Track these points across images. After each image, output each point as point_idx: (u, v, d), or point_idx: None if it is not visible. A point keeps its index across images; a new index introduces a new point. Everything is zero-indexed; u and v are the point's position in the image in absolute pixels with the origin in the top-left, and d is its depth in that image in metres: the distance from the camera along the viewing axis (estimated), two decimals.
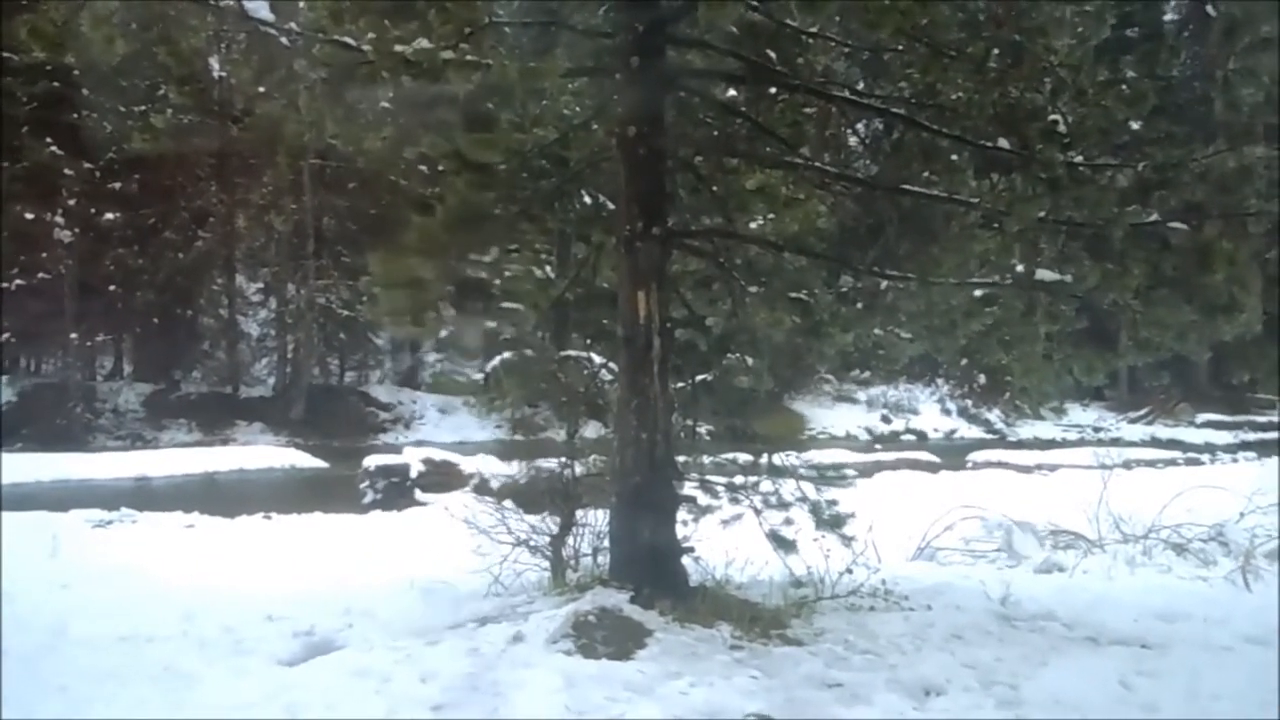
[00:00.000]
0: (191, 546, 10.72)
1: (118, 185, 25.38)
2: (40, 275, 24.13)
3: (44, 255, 24.14)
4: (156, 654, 5.52)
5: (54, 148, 23.35)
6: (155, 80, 23.20)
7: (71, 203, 24.64)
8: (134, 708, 4.66)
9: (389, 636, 5.94)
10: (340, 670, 5.14)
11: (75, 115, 23.80)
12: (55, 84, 22.20)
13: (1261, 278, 7.11)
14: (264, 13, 5.94)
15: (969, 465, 21.69)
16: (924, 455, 23.82)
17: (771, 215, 7.64)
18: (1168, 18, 34.32)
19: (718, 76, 7.27)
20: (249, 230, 28.43)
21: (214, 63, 19.22)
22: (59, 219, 24.34)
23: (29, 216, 23.32)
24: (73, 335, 25.00)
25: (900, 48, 6.67)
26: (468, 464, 15.33)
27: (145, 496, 15.49)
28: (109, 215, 25.38)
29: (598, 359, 7.88)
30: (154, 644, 5.76)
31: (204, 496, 15.84)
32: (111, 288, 26.21)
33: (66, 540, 9.94)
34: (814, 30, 6.90)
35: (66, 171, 23.99)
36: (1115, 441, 26.14)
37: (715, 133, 7.50)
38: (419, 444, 20.70)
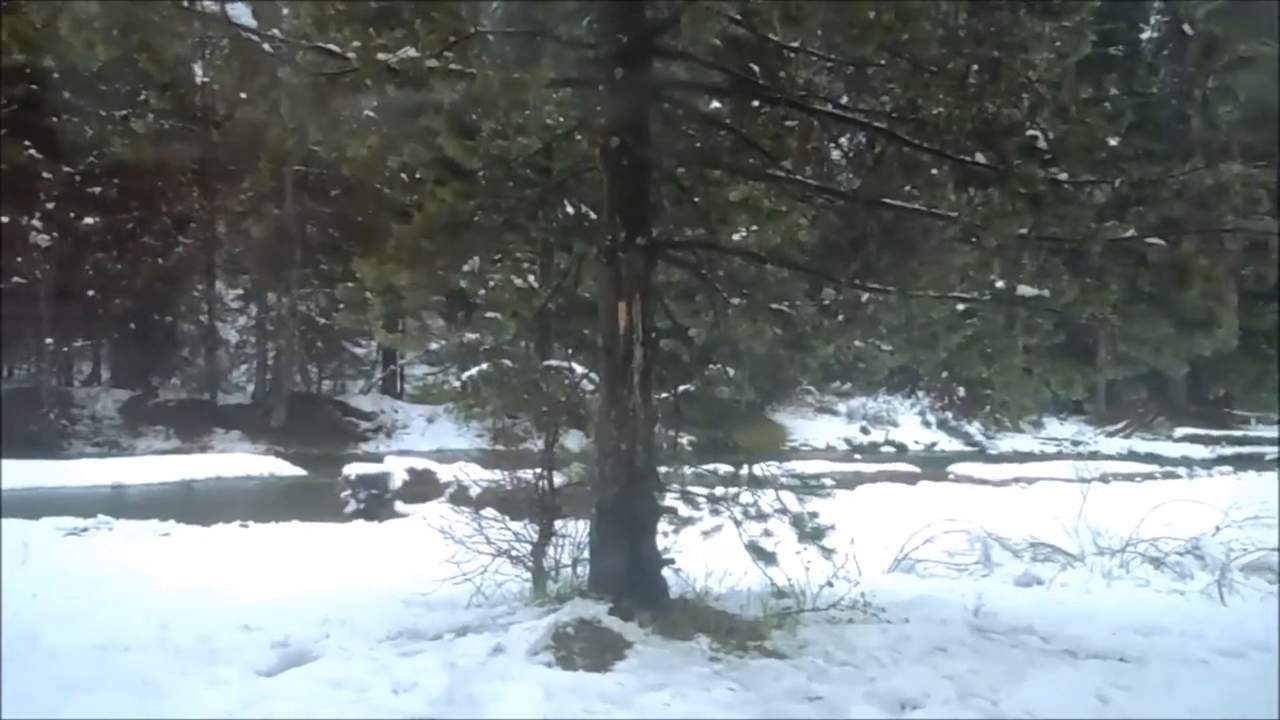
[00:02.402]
0: (167, 555, 10.61)
1: (97, 189, 25.19)
2: (16, 279, 23.88)
3: (20, 259, 23.91)
4: (131, 663, 5.44)
5: (33, 151, 23.14)
6: (136, 85, 23.17)
7: (50, 206, 24.44)
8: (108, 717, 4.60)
9: (366, 647, 5.90)
10: (317, 680, 5.11)
11: (55, 119, 23.61)
12: (34, 87, 22.02)
13: (1238, 294, 7.19)
14: (246, 19, 5.91)
15: (950, 477, 21.76)
16: (903, 467, 23.91)
17: (754, 227, 7.67)
18: (1146, 36, 34.74)
19: (701, 89, 7.30)
20: (229, 237, 28.28)
21: (197, 69, 19.19)
22: (37, 223, 24.13)
23: (6, 220, 23.09)
24: (49, 340, 24.76)
25: (882, 63, 6.71)
26: (448, 473, 15.26)
27: (121, 504, 15.31)
28: (88, 219, 25.18)
29: (579, 369, 7.88)
30: (128, 653, 5.68)
31: (181, 504, 15.67)
32: (90, 293, 25.98)
33: (38, 548, 9.81)
34: (796, 45, 6.94)
35: (45, 175, 23.80)
36: (1093, 455, 26.34)
37: (698, 144, 7.53)
38: (402, 454, 20.63)
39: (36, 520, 12.17)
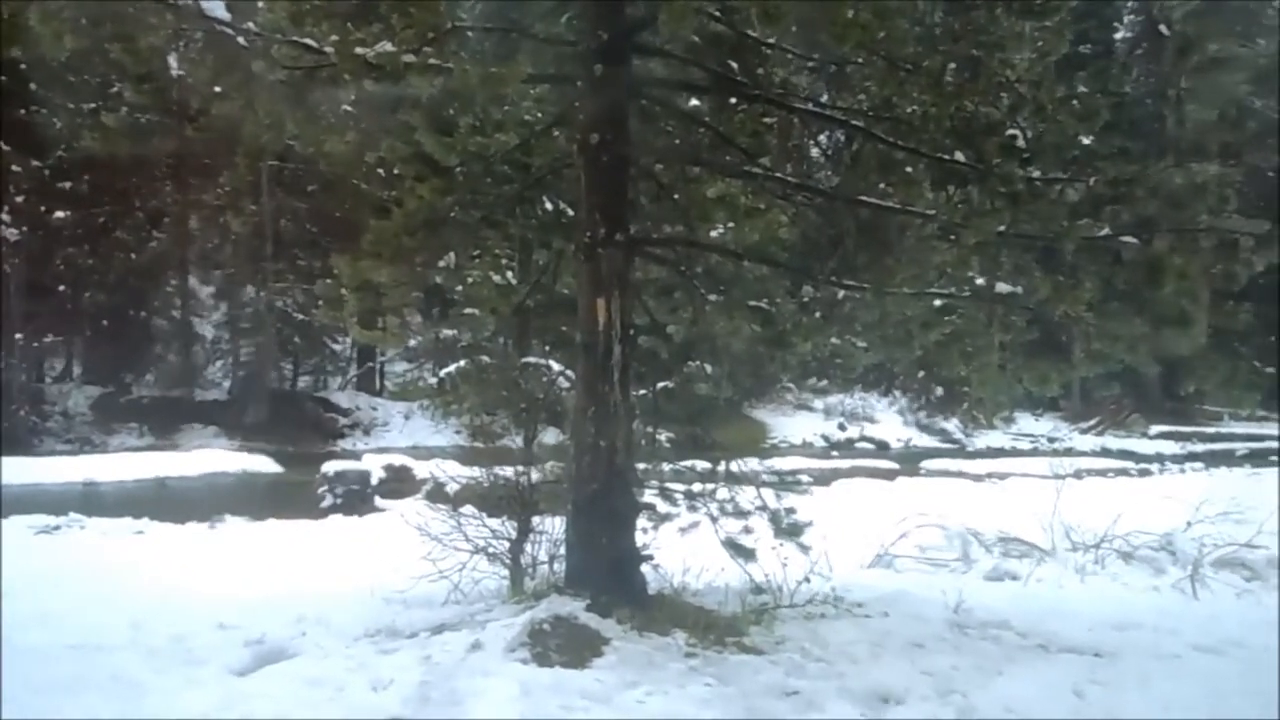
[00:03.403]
0: (141, 553, 10.52)
1: (68, 184, 24.90)
2: None
3: None
4: (104, 663, 5.40)
5: (1, 144, 22.83)
6: (108, 77, 22.88)
7: (20, 200, 24.13)
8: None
9: (343, 644, 5.87)
10: (293, 679, 5.07)
11: (24, 111, 23.31)
12: (3, 79, 21.72)
13: (1210, 292, 7.26)
14: (221, 12, 5.85)
15: (922, 473, 21.90)
16: (881, 463, 24.02)
17: (732, 224, 7.68)
18: (1120, 35, 34.98)
19: (680, 86, 7.30)
20: (205, 232, 28.02)
21: (171, 62, 18.99)
22: (6, 216, 23.81)
23: None
24: (19, 336, 24.43)
25: (859, 61, 6.73)
26: (424, 470, 15.22)
27: (94, 502, 15.17)
28: (59, 214, 24.88)
29: (557, 366, 7.86)
30: (101, 653, 5.63)
31: (154, 502, 15.54)
32: (61, 288, 25.67)
33: (8, 547, 9.70)
34: (774, 42, 6.95)
35: (14, 168, 23.49)
36: (1068, 451, 26.56)
37: (677, 141, 7.53)
38: (381, 450, 20.53)
39: (6, 519, 12.03)
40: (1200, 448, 28.56)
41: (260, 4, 6.44)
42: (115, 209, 25.93)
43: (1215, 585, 8.56)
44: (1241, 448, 26.73)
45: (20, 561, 9.19)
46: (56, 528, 12.22)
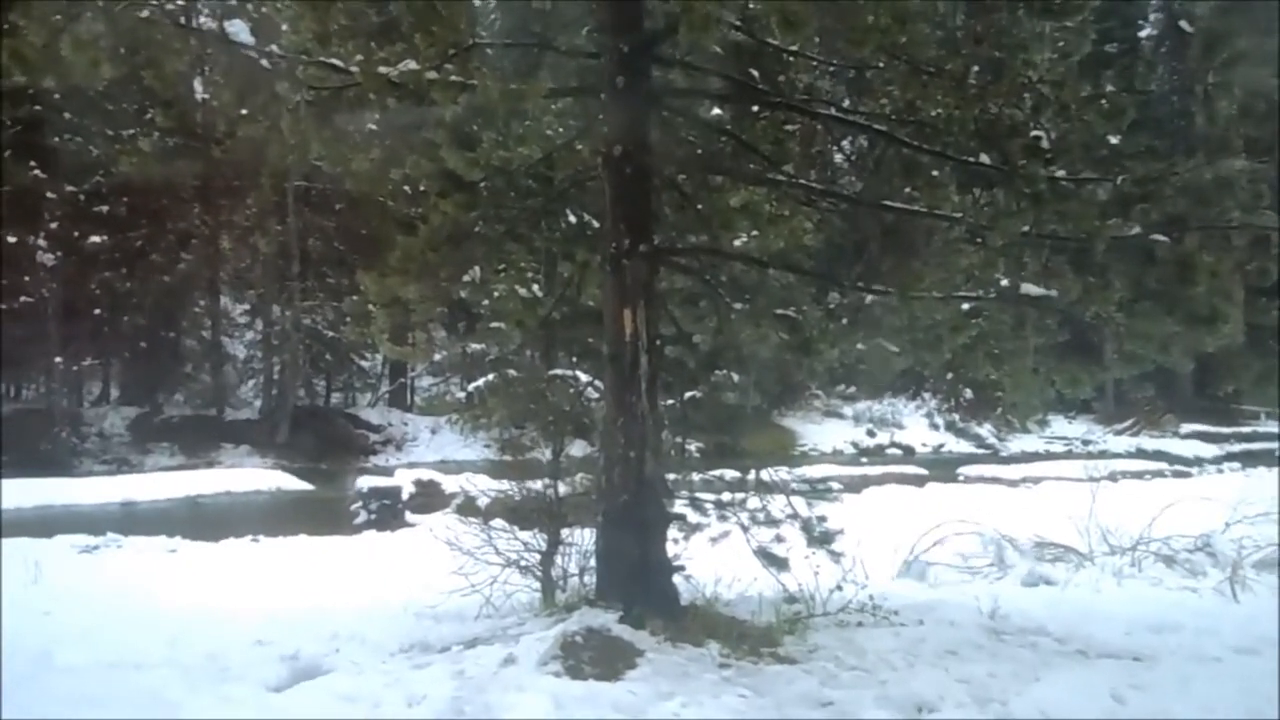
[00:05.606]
0: (176, 571, 10.62)
1: (102, 209, 25.30)
2: (23, 299, 23.96)
3: (27, 279, 23.99)
4: (141, 681, 5.44)
5: (37, 171, 23.24)
6: (140, 104, 23.27)
7: (55, 226, 24.53)
8: None
9: (377, 660, 5.90)
10: (327, 695, 5.10)
11: (58, 139, 23.75)
12: (38, 108, 22.14)
13: (1243, 289, 7.17)
14: (245, 36, 5.93)
15: (959, 479, 21.71)
16: (911, 469, 23.85)
17: (756, 232, 7.67)
18: (1145, 34, 34.67)
19: (701, 95, 7.32)
20: (234, 252, 28.38)
21: (198, 86, 19.31)
22: (42, 242, 24.21)
23: (12, 240, 23.18)
24: (57, 359, 24.82)
25: (880, 65, 6.72)
26: (454, 485, 15.29)
27: (131, 521, 15.33)
28: (93, 238, 25.27)
29: (583, 377, 7.88)
30: (138, 671, 5.68)
31: (188, 520, 15.70)
32: (96, 311, 26.05)
33: (52, 566, 9.83)
34: (795, 49, 6.95)
35: (50, 195, 23.91)
36: (1102, 454, 26.26)
37: (699, 151, 7.54)
38: (411, 465, 20.64)
39: (50, 539, 12.22)
40: (1237, 447, 28.16)
41: (284, 26, 6.52)
42: (149, 232, 26.30)
43: (1256, 587, 8.41)
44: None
45: (62, 580, 9.33)
46: (96, 547, 12.39)
